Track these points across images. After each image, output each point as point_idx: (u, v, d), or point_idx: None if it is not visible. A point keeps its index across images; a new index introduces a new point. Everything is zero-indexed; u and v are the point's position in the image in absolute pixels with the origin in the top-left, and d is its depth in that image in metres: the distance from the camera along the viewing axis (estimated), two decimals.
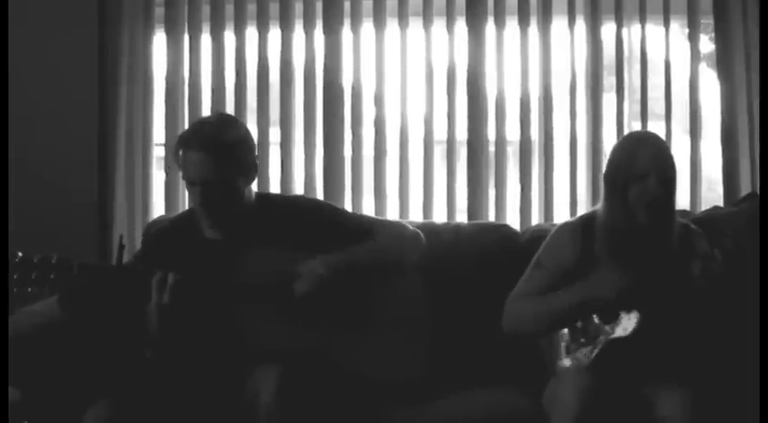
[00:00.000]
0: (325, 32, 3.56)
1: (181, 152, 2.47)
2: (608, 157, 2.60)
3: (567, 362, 2.54)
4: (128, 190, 3.57)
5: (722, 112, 3.39)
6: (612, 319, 2.48)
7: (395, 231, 2.70)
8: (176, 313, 2.38)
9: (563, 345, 2.59)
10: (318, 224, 2.60)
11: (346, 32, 3.56)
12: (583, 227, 2.62)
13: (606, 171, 2.58)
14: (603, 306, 2.46)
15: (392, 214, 3.54)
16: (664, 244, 2.52)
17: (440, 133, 3.54)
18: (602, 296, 2.44)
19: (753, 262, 2.44)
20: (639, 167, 2.48)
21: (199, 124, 2.56)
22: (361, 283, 2.57)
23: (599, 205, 2.64)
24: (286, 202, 2.71)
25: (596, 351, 2.47)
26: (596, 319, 2.50)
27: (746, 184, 3.38)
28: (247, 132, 2.58)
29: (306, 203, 2.75)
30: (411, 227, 2.75)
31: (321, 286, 2.47)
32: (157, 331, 2.40)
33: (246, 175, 2.55)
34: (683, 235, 2.60)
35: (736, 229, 2.88)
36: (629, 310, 2.45)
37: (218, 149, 2.44)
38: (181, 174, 2.52)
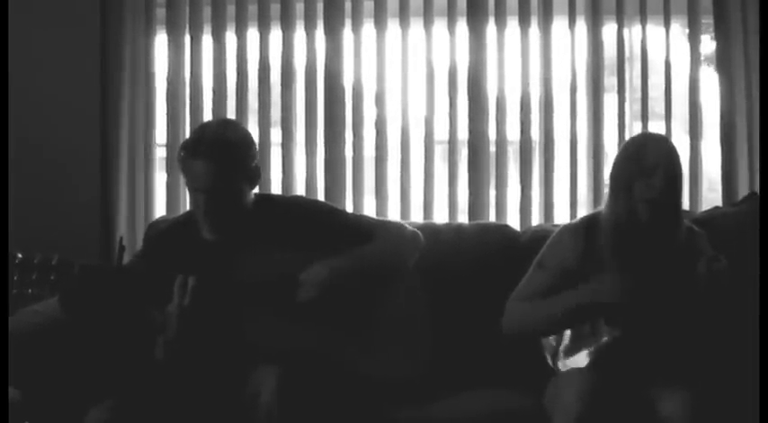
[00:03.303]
0: (326, 33, 3.57)
1: (184, 159, 2.47)
2: (615, 156, 2.60)
3: (567, 362, 2.54)
4: (129, 191, 3.57)
5: (721, 113, 3.39)
6: (616, 321, 2.48)
7: (394, 232, 2.70)
8: (195, 316, 2.38)
9: (564, 345, 2.59)
10: (318, 225, 2.60)
11: (347, 33, 3.57)
12: (586, 228, 2.61)
13: (612, 169, 2.58)
14: (606, 311, 2.46)
15: (393, 215, 3.54)
16: (667, 243, 2.52)
17: (441, 134, 3.54)
18: (604, 301, 2.44)
19: (754, 262, 2.44)
20: (646, 164, 2.48)
21: (202, 131, 2.54)
22: (361, 284, 2.57)
23: (603, 205, 2.64)
24: (285, 203, 2.71)
25: (597, 351, 2.47)
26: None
27: (744, 184, 3.38)
28: (250, 137, 2.57)
29: (305, 204, 2.74)
30: (410, 227, 2.75)
31: (324, 292, 2.48)
32: (176, 333, 2.39)
33: (250, 181, 2.56)
34: (688, 236, 2.60)
35: (737, 229, 2.88)
36: (631, 314, 2.45)
37: (222, 157, 2.44)
38: (185, 180, 2.52)
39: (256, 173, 2.57)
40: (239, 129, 2.58)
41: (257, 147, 2.61)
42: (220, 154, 2.43)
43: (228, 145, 2.46)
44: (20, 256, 2.31)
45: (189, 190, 2.53)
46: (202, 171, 2.43)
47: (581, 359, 2.50)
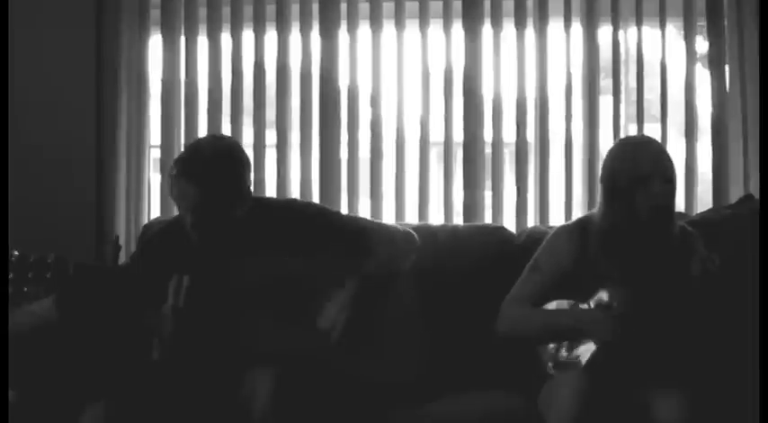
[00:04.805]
0: (321, 35, 3.57)
1: (174, 178, 2.45)
2: (605, 161, 2.60)
3: (559, 364, 2.54)
4: (125, 191, 3.56)
5: (713, 114, 3.41)
6: None
7: (387, 236, 2.67)
8: (190, 317, 2.37)
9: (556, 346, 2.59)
10: (313, 228, 2.59)
11: (343, 35, 3.57)
12: (580, 229, 2.62)
13: (605, 175, 2.57)
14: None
15: (388, 216, 3.54)
16: (661, 244, 2.53)
17: (436, 135, 3.54)
18: (598, 338, 2.44)
19: (751, 264, 2.44)
20: (644, 170, 2.48)
21: (194, 150, 2.50)
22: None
23: (596, 208, 2.64)
24: (280, 206, 2.68)
25: (591, 353, 2.47)
26: None
27: (737, 184, 3.39)
28: (244, 158, 2.53)
29: (300, 207, 2.71)
30: (401, 228, 2.74)
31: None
32: (171, 334, 2.39)
33: (240, 202, 2.52)
34: (681, 237, 2.60)
35: (734, 231, 2.88)
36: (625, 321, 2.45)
37: (211, 183, 2.42)
38: (173, 196, 2.50)
39: (247, 195, 2.53)
40: (234, 149, 2.53)
41: (251, 162, 2.57)
42: (210, 179, 2.42)
43: (218, 170, 2.44)
44: (16, 253, 2.31)
45: (177, 207, 2.51)
46: (190, 193, 2.41)
47: (573, 361, 2.50)
